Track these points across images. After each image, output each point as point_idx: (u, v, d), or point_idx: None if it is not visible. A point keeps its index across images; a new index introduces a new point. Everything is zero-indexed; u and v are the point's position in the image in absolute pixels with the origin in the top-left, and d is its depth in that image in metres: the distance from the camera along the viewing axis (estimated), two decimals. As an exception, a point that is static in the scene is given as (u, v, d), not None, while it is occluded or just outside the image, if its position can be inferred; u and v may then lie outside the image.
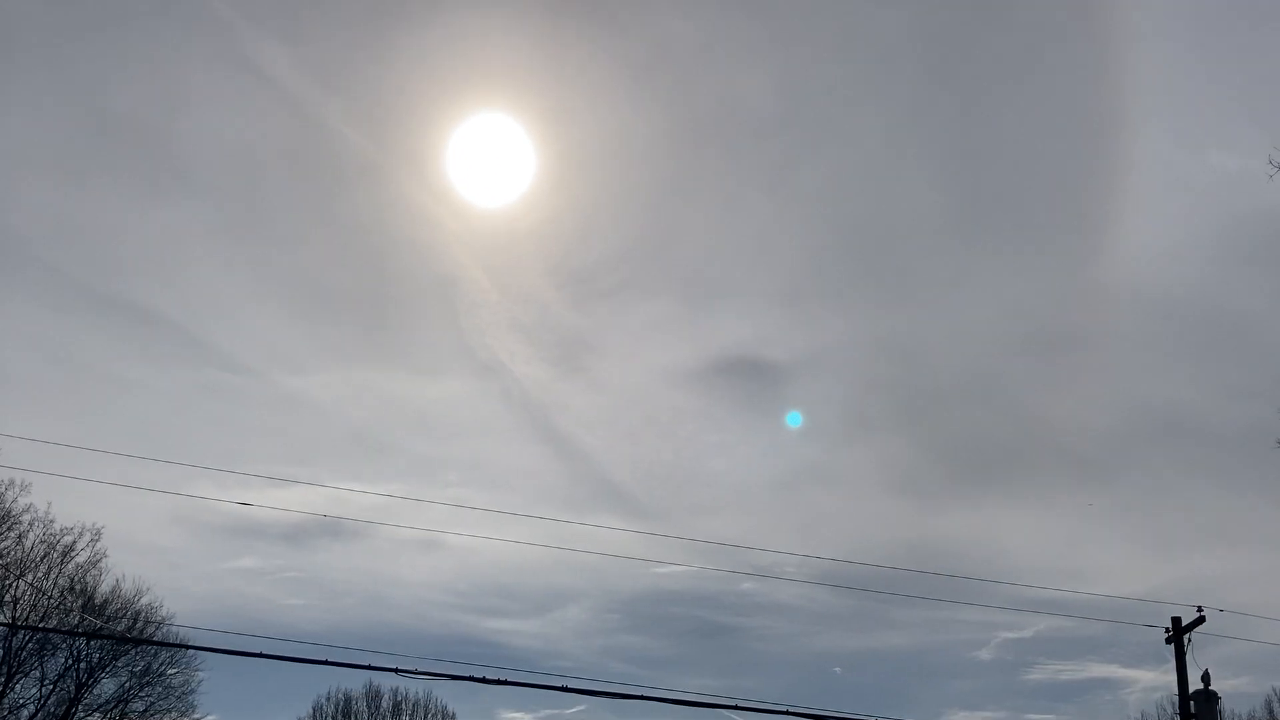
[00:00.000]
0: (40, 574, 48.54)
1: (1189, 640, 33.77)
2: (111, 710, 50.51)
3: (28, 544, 47.98)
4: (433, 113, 72.77)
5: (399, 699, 64.81)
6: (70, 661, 49.40)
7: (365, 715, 64.38)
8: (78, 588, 49.83)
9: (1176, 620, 34.12)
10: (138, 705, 50.97)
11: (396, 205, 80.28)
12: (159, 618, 52.01)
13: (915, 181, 70.96)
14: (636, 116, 73.61)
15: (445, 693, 65.00)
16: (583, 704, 68.04)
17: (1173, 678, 33.85)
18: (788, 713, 26.40)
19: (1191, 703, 32.95)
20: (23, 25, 76.03)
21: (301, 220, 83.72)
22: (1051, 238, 66.50)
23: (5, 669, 47.59)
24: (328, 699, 64.24)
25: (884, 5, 67.57)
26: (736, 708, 27.49)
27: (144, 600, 51.98)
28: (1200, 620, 33.78)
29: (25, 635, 47.31)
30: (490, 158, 70.49)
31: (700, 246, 78.85)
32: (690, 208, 78.48)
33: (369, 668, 25.85)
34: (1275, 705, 56.74)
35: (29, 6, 75.23)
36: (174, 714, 52.04)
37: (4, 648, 47.79)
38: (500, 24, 70.35)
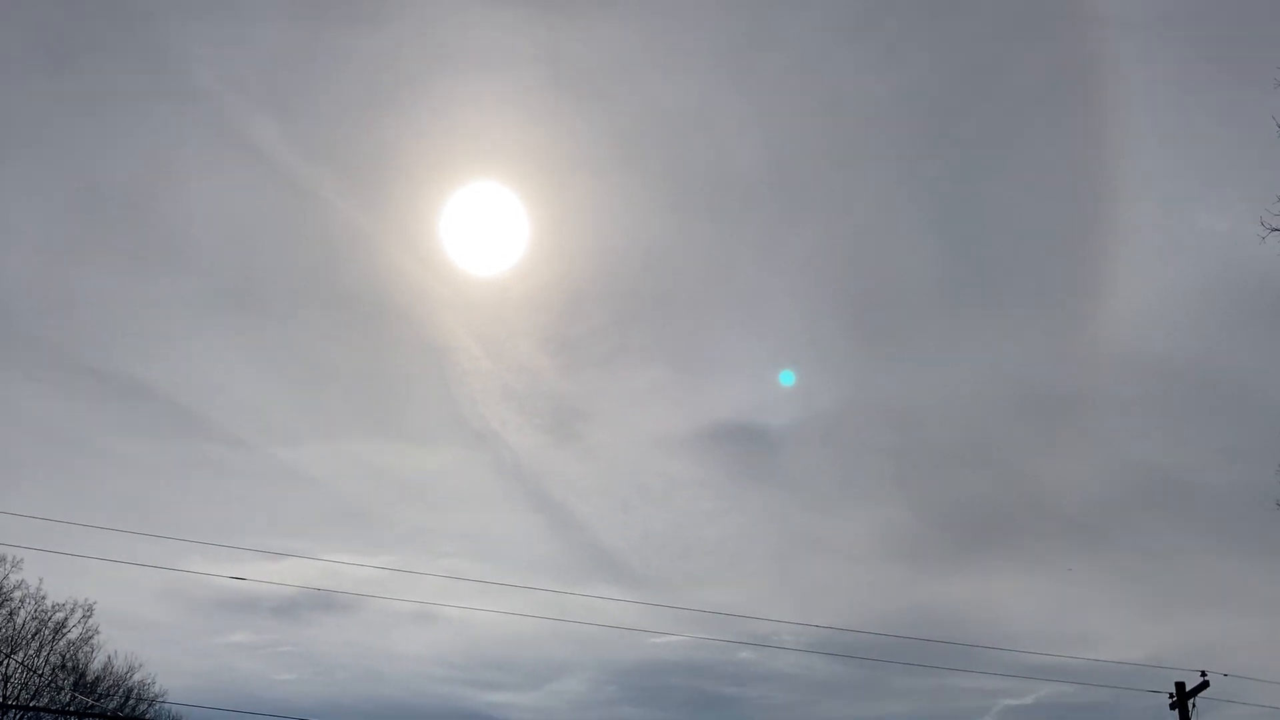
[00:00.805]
0: (31, 651, 48.04)
1: (1193, 705, 33.50)
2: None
3: (19, 621, 47.56)
4: (425, 182, 73.37)
5: (395, 775, 63.86)
6: (62, 740, 48.70)
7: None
8: (69, 665, 49.32)
9: (1180, 685, 33.86)
10: (130, 784, 50.20)
11: (389, 275, 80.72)
12: (151, 695, 51.47)
13: (907, 246, 71.56)
14: (628, 184, 74.28)
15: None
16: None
17: (1178, 744, 33.52)
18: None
19: (1198, 769, 32.58)
20: (17, 102, 76.87)
21: (294, 292, 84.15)
22: (1045, 301, 66.93)
23: (-5, 749, 46.93)
24: (322, 775, 63.31)
25: (872, 73, 68.55)
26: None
27: (136, 677, 51.48)
28: (1204, 685, 33.53)
29: (16, 715, 46.72)
30: (484, 226, 71.08)
31: (693, 313, 79.18)
32: (683, 274, 78.92)
33: (366, 744, 25.43)
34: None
35: (24, 84, 76.10)
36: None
37: (-6, 727, 47.17)
38: (492, 94, 71.15)
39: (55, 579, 49.67)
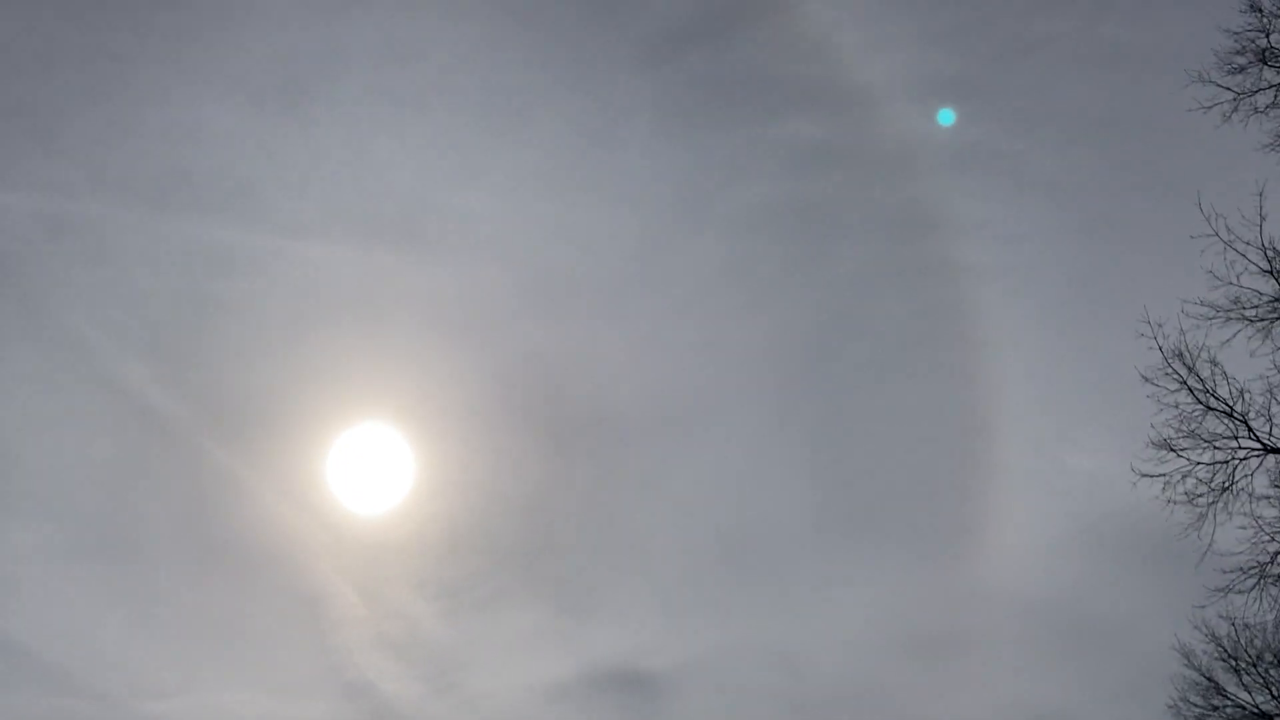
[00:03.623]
0: None
1: None
2: None
3: None
4: (304, 426, 73.42)
5: None
6: None
7: None
8: None
9: None
10: None
11: (263, 521, 79.81)
12: None
13: (785, 485, 73.03)
14: (510, 425, 75.24)
15: None
16: None
17: None
18: None
19: None
20: None
21: (162, 539, 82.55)
22: (922, 541, 68.32)
23: None
24: None
25: (747, 314, 70.91)
26: None
27: None
28: None
29: None
30: (368, 468, 71.48)
31: (574, 554, 79.42)
32: (563, 515, 79.49)
33: None
34: None
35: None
36: None
37: None
38: (373, 338, 72.13)
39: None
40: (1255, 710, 29.45)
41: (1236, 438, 21.06)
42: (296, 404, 76.99)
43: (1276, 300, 20.80)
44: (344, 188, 73.50)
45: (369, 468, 72.59)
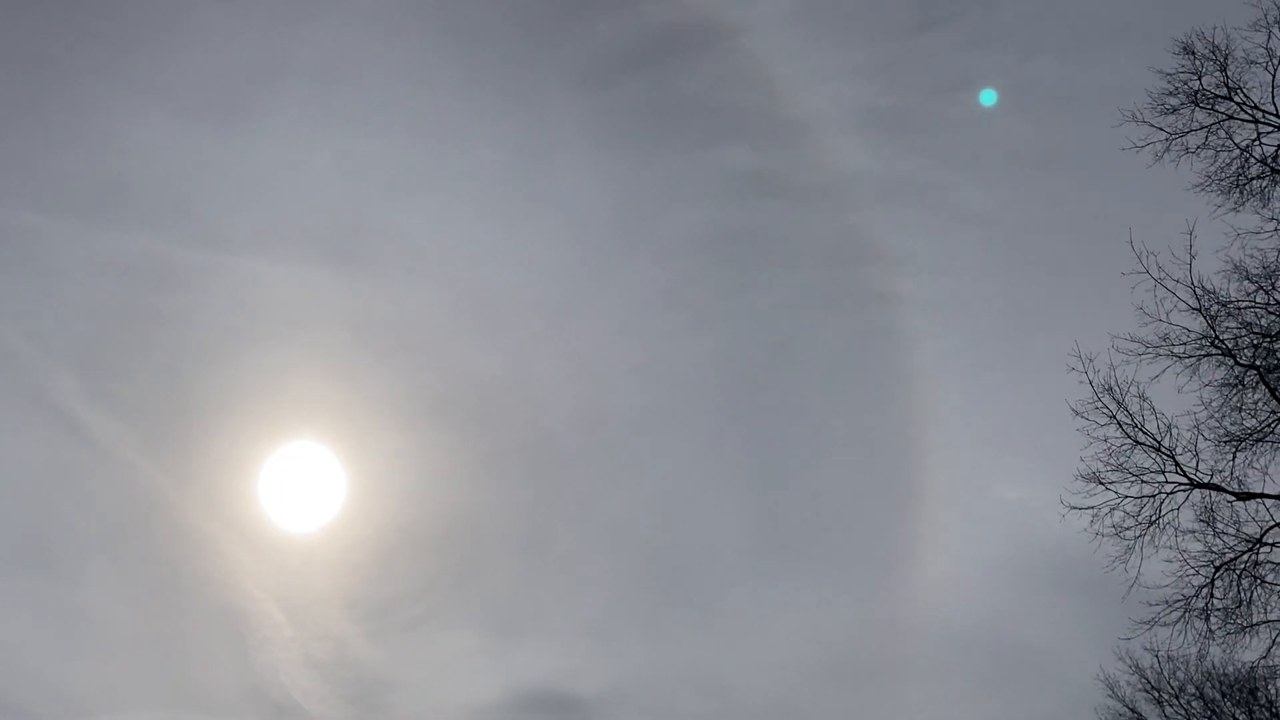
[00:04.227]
0: None
1: None
2: None
3: None
4: (237, 442, 72.38)
5: None
6: None
7: None
8: None
9: None
10: None
11: (190, 538, 78.51)
12: None
13: (717, 510, 73.42)
14: (442, 446, 74.89)
15: None
16: None
17: None
18: None
19: None
20: None
21: (87, 555, 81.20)
22: (853, 567, 68.84)
23: None
24: None
25: (681, 340, 71.40)
26: None
27: None
28: None
29: None
30: (299, 486, 70.50)
31: (506, 577, 79.00)
32: (495, 535, 79.18)
33: None
34: None
35: None
36: None
37: None
38: (307, 354, 71.49)
39: None
40: (1177, 742, 29.82)
41: (1164, 472, 21.32)
42: (229, 420, 75.82)
43: (1204, 338, 21.13)
44: (281, 204, 72.77)
45: (301, 486, 71.47)
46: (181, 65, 69.91)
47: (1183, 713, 29.68)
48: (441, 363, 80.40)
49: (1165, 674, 29.57)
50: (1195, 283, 20.94)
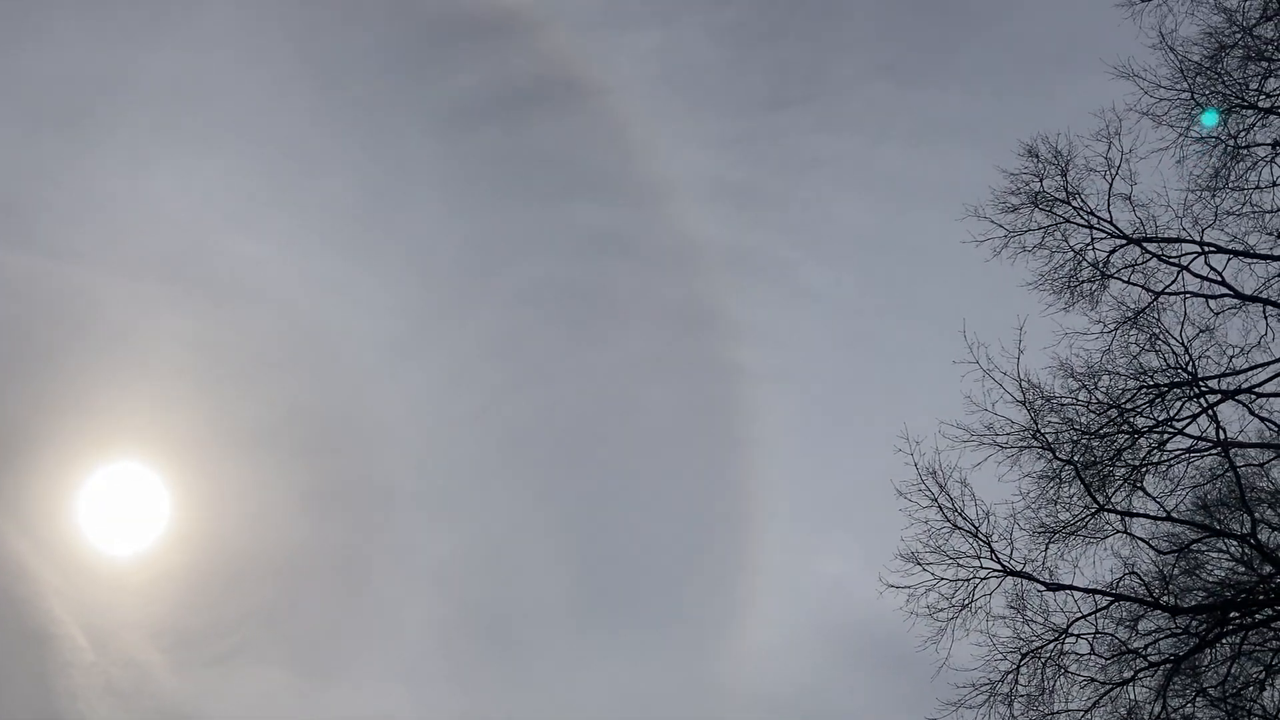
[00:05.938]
0: None
1: None
2: None
3: None
4: (54, 460, 69.47)
5: None
6: None
7: None
8: None
9: None
10: None
11: None
12: None
13: (542, 564, 73.08)
14: (269, 479, 72.86)
15: None
16: None
17: None
18: None
19: None
20: None
21: None
22: (672, 629, 69.09)
23: None
24: None
25: (518, 387, 71.19)
26: None
27: None
28: None
29: None
30: (117, 509, 67.90)
31: (321, 616, 77.10)
32: (315, 574, 77.37)
33: None
34: None
35: None
36: None
37: None
38: (134, 375, 69.19)
39: None
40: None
41: (979, 558, 21.76)
42: (48, 435, 72.37)
43: (1027, 430, 21.81)
44: (120, 218, 70.23)
45: (120, 508, 68.54)
46: (24, 70, 67.32)
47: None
48: (274, 393, 78.45)
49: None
50: (1022, 376, 21.64)
